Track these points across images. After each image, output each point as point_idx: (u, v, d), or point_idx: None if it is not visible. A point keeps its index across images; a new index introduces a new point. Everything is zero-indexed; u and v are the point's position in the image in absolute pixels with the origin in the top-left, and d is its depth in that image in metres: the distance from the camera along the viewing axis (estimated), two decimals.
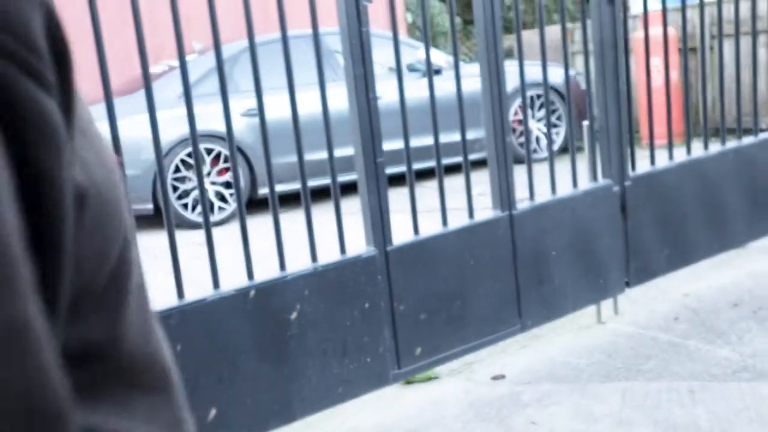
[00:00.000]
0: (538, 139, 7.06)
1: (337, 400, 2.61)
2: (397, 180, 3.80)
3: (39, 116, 0.27)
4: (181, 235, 2.54)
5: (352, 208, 3.01)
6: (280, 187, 2.84)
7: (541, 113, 6.99)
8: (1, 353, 0.23)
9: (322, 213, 3.08)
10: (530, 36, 6.44)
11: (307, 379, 2.51)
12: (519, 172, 3.16)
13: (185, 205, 5.82)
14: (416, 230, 2.85)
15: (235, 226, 2.65)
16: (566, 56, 3.31)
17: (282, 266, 2.51)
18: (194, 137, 2.37)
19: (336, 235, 2.66)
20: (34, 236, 0.27)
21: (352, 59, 2.61)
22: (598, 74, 3.32)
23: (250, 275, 2.44)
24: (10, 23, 0.26)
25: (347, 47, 2.62)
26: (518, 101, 5.70)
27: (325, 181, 2.95)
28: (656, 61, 4.84)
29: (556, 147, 6.64)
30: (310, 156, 2.85)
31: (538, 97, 6.87)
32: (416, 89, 4.05)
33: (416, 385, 3.02)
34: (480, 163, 3.62)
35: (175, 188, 5.75)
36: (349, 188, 3.36)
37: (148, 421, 0.38)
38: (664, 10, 3.50)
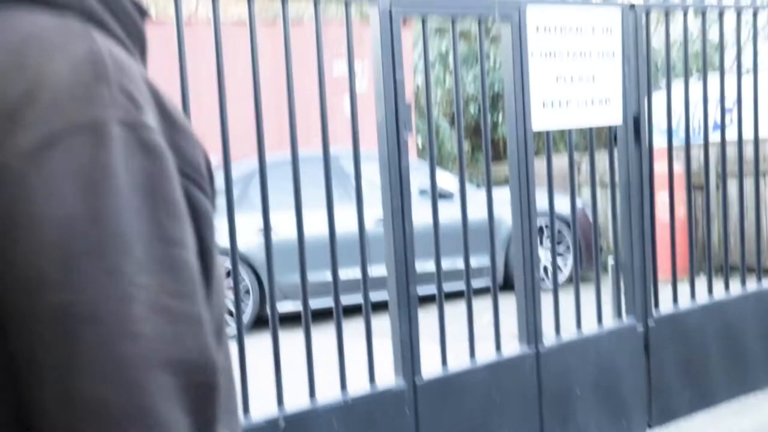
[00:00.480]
0: (545, 269, 6.99)
1: None
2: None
3: (205, 212, 0.52)
4: None
5: (380, 329, 2.96)
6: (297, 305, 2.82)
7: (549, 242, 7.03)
8: (197, 371, 0.45)
9: (348, 332, 3.04)
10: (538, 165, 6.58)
11: None
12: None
13: None
14: (444, 362, 2.82)
15: (262, 343, 2.62)
16: (573, 187, 3.35)
17: (312, 392, 2.46)
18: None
19: (366, 361, 2.63)
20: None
21: (390, 191, 2.68)
22: (624, 212, 3.39)
23: (280, 401, 2.38)
24: (190, 160, 0.51)
25: (386, 179, 2.69)
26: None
27: (354, 300, 2.95)
28: (664, 197, 4.95)
29: (564, 278, 6.52)
30: (345, 275, 2.85)
31: (546, 226, 6.91)
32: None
33: None
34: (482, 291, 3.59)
35: None
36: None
37: None
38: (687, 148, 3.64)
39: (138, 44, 0.57)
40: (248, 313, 5.30)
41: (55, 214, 0.43)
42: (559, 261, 5.39)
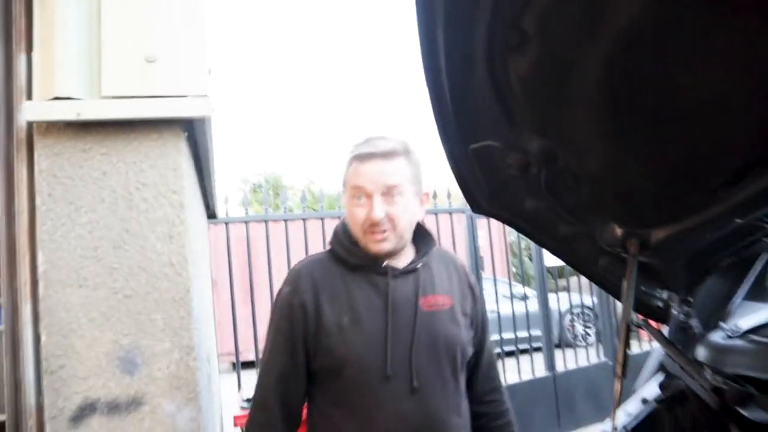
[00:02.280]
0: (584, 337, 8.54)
1: None
2: None
3: (294, 321, 1.57)
4: None
5: None
6: None
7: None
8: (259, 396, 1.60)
9: None
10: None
11: None
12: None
13: None
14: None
15: None
16: None
17: None
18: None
19: None
20: None
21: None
22: None
23: None
24: (295, 282, 1.59)
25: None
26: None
27: None
28: None
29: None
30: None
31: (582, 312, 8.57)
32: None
33: None
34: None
35: None
36: None
37: None
38: None
39: (344, 255, 1.62)
40: None
41: None
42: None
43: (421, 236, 1.72)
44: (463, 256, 5.24)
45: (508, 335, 5.42)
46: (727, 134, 1.07)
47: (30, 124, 1.60)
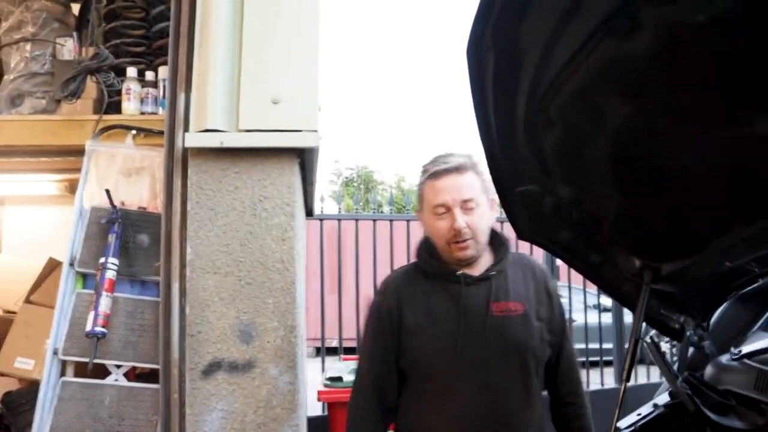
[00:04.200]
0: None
1: None
2: None
3: (388, 325, 1.83)
4: None
5: None
6: None
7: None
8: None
9: None
10: None
11: None
12: None
13: None
14: None
15: None
16: None
17: None
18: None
19: None
20: None
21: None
22: None
23: None
24: (384, 291, 1.86)
25: None
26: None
27: None
28: None
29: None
30: None
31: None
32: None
33: None
34: None
35: None
36: None
37: None
38: None
39: (426, 266, 1.84)
40: None
41: None
42: None
43: (499, 242, 1.83)
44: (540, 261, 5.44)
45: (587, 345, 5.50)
46: (707, 196, 1.40)
47: (186, 149, 2.12)
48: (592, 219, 1.68)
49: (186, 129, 2.12)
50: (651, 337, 1.87)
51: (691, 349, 1.89)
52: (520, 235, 1.86)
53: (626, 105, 1.25)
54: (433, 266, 1.81)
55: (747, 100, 1.08)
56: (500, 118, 1.49)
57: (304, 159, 2.25)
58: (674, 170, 1.38)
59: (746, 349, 1.83)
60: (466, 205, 1.72)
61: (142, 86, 2.64)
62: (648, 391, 5.70)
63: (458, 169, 1.73)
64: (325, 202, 4.77)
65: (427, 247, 1.85)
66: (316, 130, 2.15)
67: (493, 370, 1.72)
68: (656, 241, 1.65)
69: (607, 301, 7.15)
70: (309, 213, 4.22)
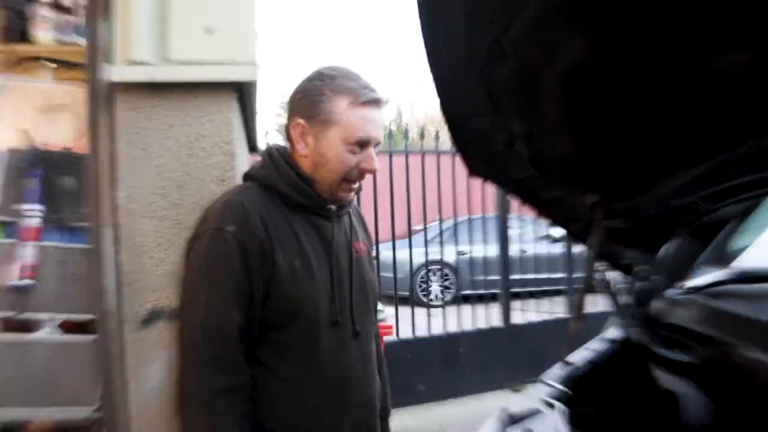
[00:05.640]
0: None
1: None
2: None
3: (254, 261, 1.57)
4: None
5: None
6: None
7: None
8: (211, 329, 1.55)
9: None
10: None
11: None
12: None
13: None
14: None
15: None
16: None
17: None
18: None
19: None
20: None
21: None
22: None
23: None
24: (250, 244, 1.62)
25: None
26: None
27: None
28: None
29: None
30: None
31: None
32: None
33: None
34: None
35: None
36: None
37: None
38: None
39: (294, 193, 1.61)
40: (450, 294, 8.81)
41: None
42: None
43: None
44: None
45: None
46: (658, 134, 1.35)
47: (112, 83, 1.95)
48: (544, 156, 1.62)
49: (109, 61, 1.94)
50: (601, 273, 1.86)
51: (638, 284, 1.89)
52: (471, 171, 1.80)
53: (580, 39, 1.17)
54: (302, 194, 1.58)
55: (702, 36, 1.01)
56: (450, 47, 1.39)
57: (243, 93, 2.11)
58: (626, 108, 1.32)
59: (691, 283, 1.85)
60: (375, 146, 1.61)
61: (58, 12, 2.40)
62: (596, 321, 5.95)
63: (384, 103, 1.58)
64: (270, 137, 4.61)
65: (291, 167, 1.61)
66: (254, 62, 2.00)
67: (360, 317, 1.64)
68: (608, 179, 1.61)
69: (557, 232, 7.52)
70: (252, 149, 4.06)
